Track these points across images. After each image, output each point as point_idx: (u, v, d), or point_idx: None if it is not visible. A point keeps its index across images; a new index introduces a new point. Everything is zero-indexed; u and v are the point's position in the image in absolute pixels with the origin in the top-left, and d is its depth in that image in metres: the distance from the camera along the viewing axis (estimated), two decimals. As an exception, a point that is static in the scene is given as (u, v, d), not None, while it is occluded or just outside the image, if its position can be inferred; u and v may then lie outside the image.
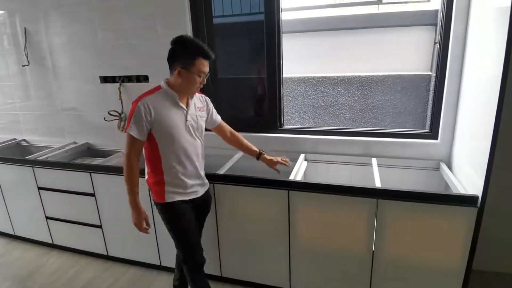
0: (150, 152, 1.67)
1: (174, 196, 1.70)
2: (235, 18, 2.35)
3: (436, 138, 2.13)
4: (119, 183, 2.21)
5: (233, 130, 2.03)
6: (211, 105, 1.91)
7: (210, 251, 2.15)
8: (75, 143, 2.90)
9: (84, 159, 2.78)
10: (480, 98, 1.67)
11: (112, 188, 2.29)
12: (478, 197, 1.60)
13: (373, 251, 1.82)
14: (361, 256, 1.85)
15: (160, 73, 2.44)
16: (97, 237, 2.48)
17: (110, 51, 2.54)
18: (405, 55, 2.36)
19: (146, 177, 1.75)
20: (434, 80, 2.17)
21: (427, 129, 2.21)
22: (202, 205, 1.86)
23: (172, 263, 2.29)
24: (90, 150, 2.90)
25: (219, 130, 1.99)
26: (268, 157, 1.97)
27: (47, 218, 2.61)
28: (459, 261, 1.70)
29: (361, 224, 1.80)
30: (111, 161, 2.47)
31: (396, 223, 1.75)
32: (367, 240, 1.81)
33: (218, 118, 1.97)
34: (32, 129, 3.07)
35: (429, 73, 2.27)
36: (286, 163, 1.98)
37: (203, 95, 1.86)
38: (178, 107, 1.66)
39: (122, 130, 2.65)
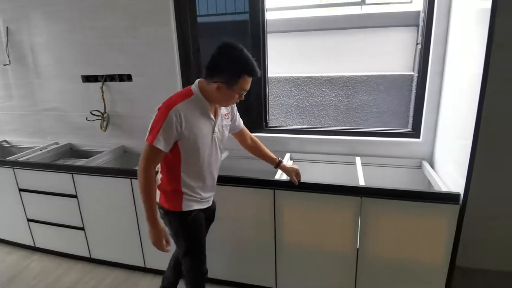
0: (170, 163, 1.53)
1: (192, 205, 1.59)
2: (219, 18, 2.34)
3: (418, 137, 2.16)
4: (101, 184, 2.20)
5: (253, 136, 1.89)
6: (235, 109, 1.75)
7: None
8: (57, 143, 2.84)
9: (66, 160, 2.73)
10: (461, 98, 1.70)
11: (95, 189, 2.25)
12: (460, 194, 1.62)
13: (357, 249, 1.84)
14: (346, 254, 1.87)
15: (143, 72, 2.44)
16: (79, 240, 2.43)
17: (93, 50, 2.50)
18: (388, 56, 2.39)
19: (159, 182, 1.61)
20: (416, 80, 2.20)
21: (409, 128, 2.24)
22: (210, 214, 1.79)
23: (157, 265, 2.29)
24: (72, 151, 2.84)
25: (240, 136, 1.84)
26: (288, 166, 1.87)
27: (29, 220, 2.54)
28: (443, 258, 1.72)
29: (346, 222, 1.81)
30: (94, 161, 2.42)
31: (380, 221, 1.77)
32: (352, 238, 1.83)
33: (241, 123, 1.82)
34: (13, 129, 2.99)
35: (412, 73, 2.30)
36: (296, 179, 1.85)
37: None
38: (208, 117, 1.51)
39: (105, 130, 2.61)
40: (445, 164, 1.92)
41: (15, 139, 3.02)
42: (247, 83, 1.44)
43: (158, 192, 1.61)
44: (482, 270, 2.26)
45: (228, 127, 1.70)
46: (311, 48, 2.55)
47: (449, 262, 1.72)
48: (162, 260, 2.24)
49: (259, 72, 1.43)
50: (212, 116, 1.53)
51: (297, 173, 1.85)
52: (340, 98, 2.47)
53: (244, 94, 1.49)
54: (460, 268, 2.19)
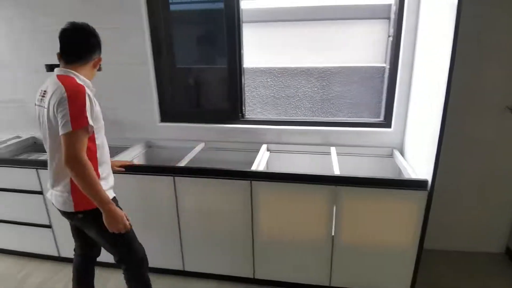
0: (89, 149, 1.43)
1: (111, 192, 1.56)
2: (193, 5, 2.28)
3: (390, 127, 2.23)
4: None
5: None
6: None
7: (171, 246, 2.10)
8: (18, 137, 2.66)
9: (30, 154, 2.56)
10: (429, 88, 1.77)
11: (63, 185, 2.13)
12: (428, 181, 1.70)
13: (332, 236, 1.88)
14: (322, 242, 1.91)
15: (113, 61, 2.30)
16: (46, 238, 2.30)
17: (57, 37, 2.33)
18: (362, 47, 2.42)
19: (69, 186, 1.46)
20: (387, 71, 2.26)
21: (381, 119, 2.31)
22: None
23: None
24: (36, 145, 2.67)
25: None
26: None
27: (-11, 220, 2.38)
28: (412, 242, 1.80)
29: (322, 210, 1.84)
30: (61, 155, 2.29)
31: (353, 208, 1.82)
32: (327, 225, 1.87)
33: None
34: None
35: (384, 65, 2.36)
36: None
37: None
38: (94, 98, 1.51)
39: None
40: (414, 152, 2.00)
41: (-29, 133, 2.80)
42: None
43: (69, 199, 1.48)
44: (447, 251, 2.40)
45: None
46: (286, 38, 2.54)
47: (418, 245, 1.81)
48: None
49: None
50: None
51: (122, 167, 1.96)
52: (316, 89, 2.50)
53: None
54: (427, 250, 2.32)
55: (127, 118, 2.46)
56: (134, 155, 2.34)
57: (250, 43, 2.37)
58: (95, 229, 1.55)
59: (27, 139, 2.65)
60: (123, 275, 1.71)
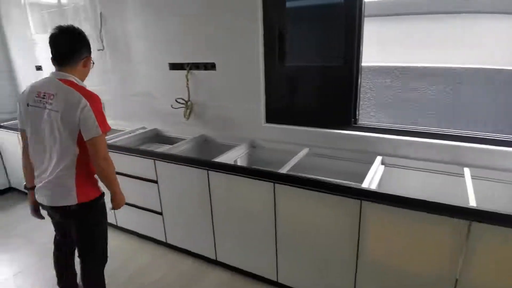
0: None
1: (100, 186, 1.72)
2: (310, 1, 2.11)
3: (552, 149, 1.71)
4: (181, 171, 2.22)
5: None
6: None
7: (266, 254, 2.05)
8: (144, 128, 2.97)
9: (151, 145, 2.83)
10: None
11: (175, 177, 2.28)
12: None
13: (456, 279, 1.55)
14: (441, 283, 1.59)
15: (226, 61, 2.36)
16: (157, 223, 2.51)
17: (180, 37, 2.50)
18: (504, 46, 2.00)
19: (74, 181, 1.56)
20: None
21: (536, 137, 1.78)
22: None
23: (228, 260, 2.27)
24: (158, 136, 2.94)
25: None
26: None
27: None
28: None
29: (447, 248, 1.53)
30: (175, 149, 2.45)
31: (490, 251, 1.46)
32: (451, 266, 1.54)
33: None
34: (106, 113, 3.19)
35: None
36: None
37: None
38: None
39: (188, 118, 2.63)
40: None
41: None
42: None
43: (73, 192, 1.57)
44: None
45: None
46: (411, 34, 2.22)
47: None
48: (233, 254, 2.23)
49: None
50: None
51: None
52: (445, 94, 2.12)
53: None
54: None
55: (236, 116, 2.48)
56: (238, 155, 2.35)
57: (369, 39, 2.11)
58: (95, 218, 1.70)
59: (151, 130, 2.94)
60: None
